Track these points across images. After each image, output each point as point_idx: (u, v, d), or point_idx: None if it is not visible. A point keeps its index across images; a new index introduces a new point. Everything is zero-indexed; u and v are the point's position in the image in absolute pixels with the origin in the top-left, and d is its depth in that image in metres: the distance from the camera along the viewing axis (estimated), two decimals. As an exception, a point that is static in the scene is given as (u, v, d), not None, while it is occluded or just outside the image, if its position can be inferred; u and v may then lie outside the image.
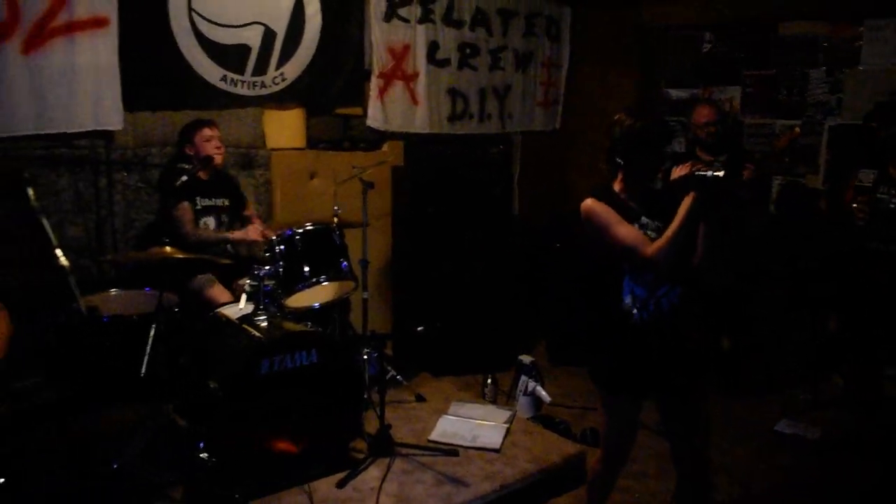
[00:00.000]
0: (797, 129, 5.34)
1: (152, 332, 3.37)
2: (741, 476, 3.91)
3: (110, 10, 4.07)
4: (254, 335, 3.51)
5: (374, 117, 5.27)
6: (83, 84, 4.04)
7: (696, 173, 2.60)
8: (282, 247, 3.93)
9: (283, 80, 4.80)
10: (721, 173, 2.55)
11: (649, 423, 3.99)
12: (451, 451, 3.82)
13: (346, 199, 4.55)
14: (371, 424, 3.86)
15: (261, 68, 4.70)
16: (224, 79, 4.56)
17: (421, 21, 5.40)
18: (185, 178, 3.84)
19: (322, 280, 4.02)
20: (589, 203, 2.75)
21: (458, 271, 5.23)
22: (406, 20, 5.32)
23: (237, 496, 3.20)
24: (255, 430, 3.40)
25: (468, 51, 5.74)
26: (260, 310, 3.67)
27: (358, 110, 5.26)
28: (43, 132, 3.97)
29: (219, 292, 4.08)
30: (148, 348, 3.33)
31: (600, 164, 2.85)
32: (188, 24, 4.37)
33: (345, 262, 4.14)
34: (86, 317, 2.71)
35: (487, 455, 3.83)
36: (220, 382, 3.35)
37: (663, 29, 6.07)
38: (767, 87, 5.58)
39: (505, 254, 5.43)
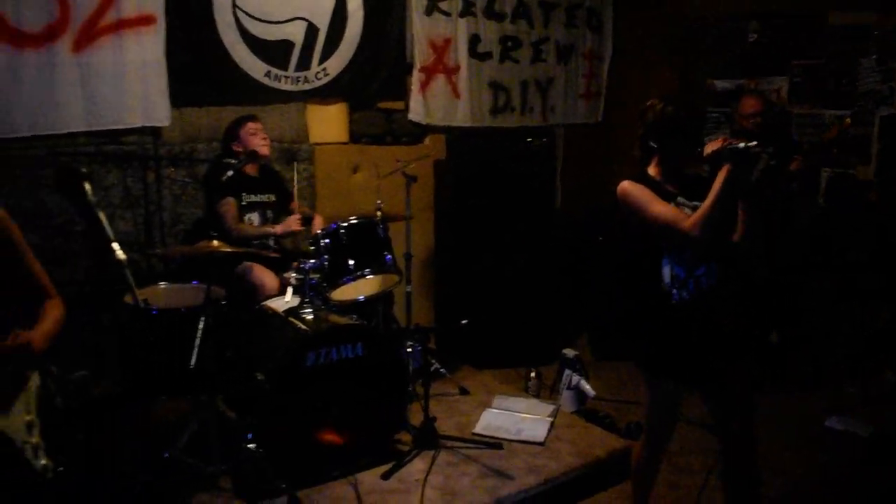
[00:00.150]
0: (847, 120, 5.22)
1: (201, 325, 3.42)
2: (787, 471, 3.85)
3: (157, 8, 4.14)
4: (300, 328, 3.54)
5: (416, 111, 5.29)
6: (131, 81, 4.12)
7: (729, 146, 2.60)
8: (327, 240, 3.95)
9: (326, 75, 4.84)
10: (754, 143, 2.55)
11: (694, 416, 3.97)
12: (495, 444, 3.82)
13: (388, 193, 4.57)
14: (415, 417, 3.87)
15: (304, 63, 4.73)
16: (268, 74, 4.61)
17: (462, 14, 5.39)
18: (230, 173, 3.89)
19: (366, 273, 4.04)
20: (625, 185, 2.77)
21: (501, 264, 5.21)
22: (447, 14, 5.31)
23: (284, 486, 3.23)
24: (301, 421, 3.43)
25: (510, 43, 5.71)
26: (305, 302, 3.71)
27: (400, 104, 5.28)
28: (93, 129, 4.06)
29: (261, 272, 4.11)
30: (197, 341, 3.38)
31: (633, 151, 2.87)
32: (233, 21, 4.42)
33: (389, 256, 4.16)
34: (139, 310, 2.76)
35: (531, 448, 3.82)
36: (266, 374, 3.39)
37: (707, 19, 5.98)
38: (816, 76, 5.47)
39: (547, 247, 5.40)
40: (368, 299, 4.17)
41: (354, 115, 5.11)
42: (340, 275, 3.97)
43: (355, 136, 5.14)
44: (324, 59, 4.80)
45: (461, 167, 5.34)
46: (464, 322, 4.53)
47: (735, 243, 2.69)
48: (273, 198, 4.44)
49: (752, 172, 2.57)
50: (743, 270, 2.85)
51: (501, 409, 4.24)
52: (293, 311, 3.70)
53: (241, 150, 4.22)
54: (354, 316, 3.88)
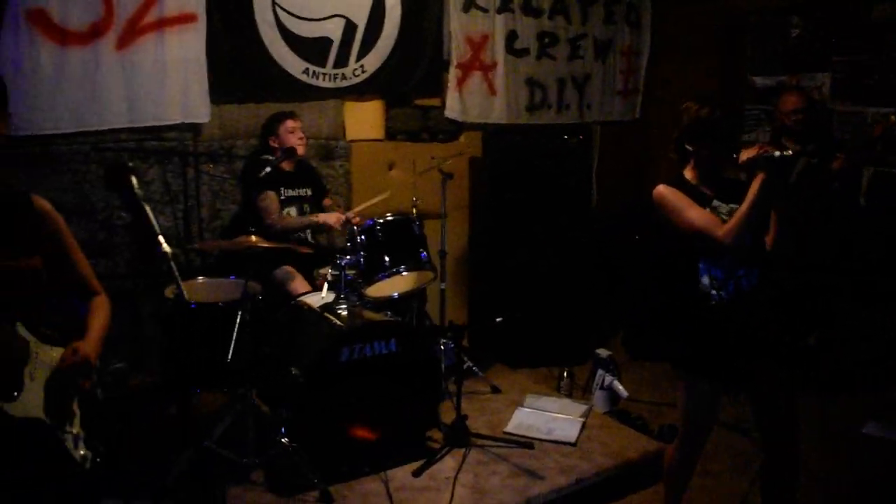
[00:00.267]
0: (893, 118, 5.10)
1: (238, 319, 3.47)
2: (822, 477, 3.78)
3: (198, 6, 4.19)
4: (335, 323, 3.58)
5: (452, 108, 5.29)
6: (172, 78, 4.18)
7: (765, 154, 2.59)
8: (363, 236, 3.97)
9: (364, 71, 4.86)
10: (789, 152, 2.56)
11: (727, 420, 3.93)
12: (526, 443, 3.83)
13: (424, 190, 4.58)
14: (447, 415, 3.88)
15: (342, 61, 4.76)
16: (306, 71, 4.64)
17: (500, 10, 5.37)
18: (268, 168, 3.94)
19: (402, 270, 4.05)
20: (660, 189, 2.79)
21: (535, 263, 5.19)
22: (485, 10, 5.30)
23: (316, 481, 3.27)
24: (334, 416, 3.48)
25: (547, 40, 5.68)
26: (340, 298, 3.75)
27: (436, 101, 5.29)
28: (135, 125, 4.14)
29: (300, 285, 4.16)
30: (234, 335, 3.44)
31: (669, 153, 2.87)
32: (272, 18, 4.46)
33: (424, 253, 4.17)
34: (181, 303, 2.81)
35: (563, 448, 3.82)
36: (301, 369, 3.43)
37: (749, 14, 5.89)
38: (859, 73, 5.35)
39: (582, 245, 5.37)
40: (403, 296, 4.19)
41: (391, 111, 5.13)
42: (376, 271, 4.00)
43: (391, 133, 5.16)
44: (361, 55, 4.83)
45: (497, 164, 5.33)
46: (498, 320, 4.53)
47: (768, 248, 2.69)
48: (309, 192, 4.49)
49: (790, 176, 2.56)
50: (782, 274, 2.83)
51: (533, 409, 4.24)
52: (328, 307, 3.74)
53: (277, 146, 4.27)
54: (389, 312, 3.91)
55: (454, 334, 4.13)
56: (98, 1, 3.91)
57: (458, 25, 5.19)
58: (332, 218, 4.27)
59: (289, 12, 4.52)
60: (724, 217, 2.69)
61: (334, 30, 4.71)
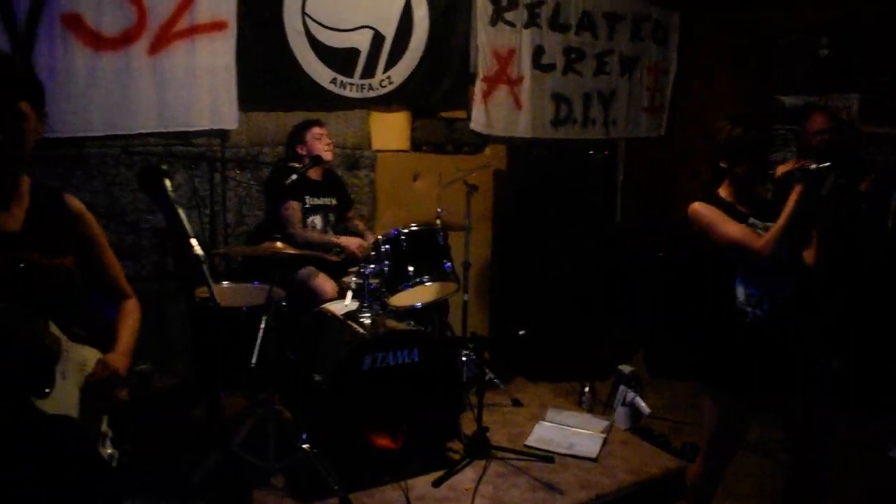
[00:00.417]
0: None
1: (263, 324, 3.48)
2: (848, 500, 3.73)
3: (229, 14, 4.25)
4: (358, 331, 3.58)
5: (478, 121, 5.31)
6: (202, 85, 4.23)
7: (801, 167, 2.61)
8: (387, 246, 3.98)
9: (391, 83, 4.89)
10: (826, 164, 2.57)
11: (751, 440, 3.88)
12: (546, 457, 3.80)
13: (447, 202, 4.59)
14: (468, 426, 3.86)
15: (369, 71, 4.80)
16: (334, 81, 4.68)
17: (527, 25, 5.40)
18: (294, 176, 3.95)
19: (425, 280, 4.05)
20: (696, 206, 2.81)
21: (559, 277, 5.18)
22: (512, 24, 5.33)
23: (336, 487, 3.26)
24: (355, 424, 3.47)
25: (573, 55, 5.70)
26: (364, 307, 3.74)
27: (462, 113, 5.31)
28: (165, 130, 4.18)
29: (322, 281, 4.17)
30: (259, 339, 3.44)
31: (702, 174, 2.87)
32: (301, 28, 4.51)
33: (448, 263, 4.16)
34: (211, 306, 2.82)
35: (583, 463, 3.78)
36: (323, 376, 3.44)
37: (777, 34, 5.87)
38: (888, 93, 5.31)
39: (606, 261, 5.36)
40: (426, 306, 4.17)
41: (416, 122, 5.15)
42: (399, 281, 3.99)
43: (417, 144, 5.18)
44: (388, 66, 4.86)
45: (522, 178, 5.33)
46: (521, 332, 4.51)
47: (809, 264, 2.70)
48: (334, 201, 4.50)
49: (823, 189, 2.56)
50: (819, 292, 2.81)
51: (554, 423, 4.21)
52: (352, 315, 3.74)
53: (304, 153, 4.29)
54: (412, 322, 3.90)
55: (477, 346, 4.11)
56: (131, 7, 3.97)
57: (486, 39, 5.21)
58: (353, 244, 4.28)
59: (318, 23, 4.56)
60: (761, 233, 2.69)
61: (362, 41, 4.74)
